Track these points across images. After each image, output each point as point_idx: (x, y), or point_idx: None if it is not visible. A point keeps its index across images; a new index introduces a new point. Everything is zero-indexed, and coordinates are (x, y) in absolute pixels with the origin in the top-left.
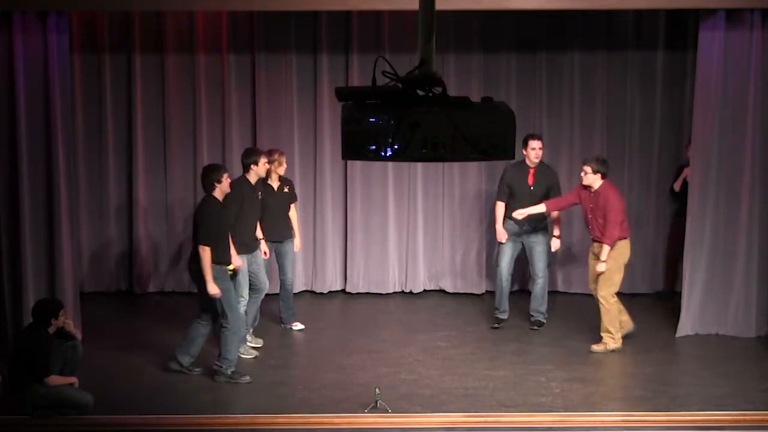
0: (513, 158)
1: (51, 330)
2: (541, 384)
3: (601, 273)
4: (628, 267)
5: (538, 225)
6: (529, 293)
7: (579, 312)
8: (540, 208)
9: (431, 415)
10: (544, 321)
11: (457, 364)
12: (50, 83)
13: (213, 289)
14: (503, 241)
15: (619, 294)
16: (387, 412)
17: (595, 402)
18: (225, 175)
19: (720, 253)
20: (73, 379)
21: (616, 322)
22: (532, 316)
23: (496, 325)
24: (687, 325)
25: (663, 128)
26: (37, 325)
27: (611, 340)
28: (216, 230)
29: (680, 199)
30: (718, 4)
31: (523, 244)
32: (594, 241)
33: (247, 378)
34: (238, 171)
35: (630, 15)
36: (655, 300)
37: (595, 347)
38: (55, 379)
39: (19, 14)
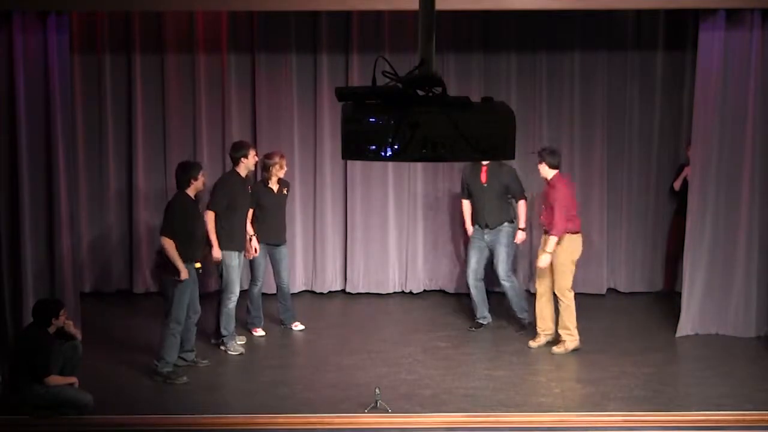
0: (513, 158)
1: (51, 330)
2: (541, 384)
3: (544, 267)
4: (632, 265)
5: (500, 220)
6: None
7: (578, 313)
8: (551, 243)
9: (431, 415)
10: (525, 319)
11: (457, 364)
12: (50, 83)
13: (184, 273)
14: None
15: (617, 292)
16: (387, 412)
17: (595, 402)
18: (201, 173)
19: (720, 253)
20: (73, 380)
21: (574, 319)
22: (516, 316)
23: (473, 329)
24: (687, 325)
25: (663, 128)
26: (37, 324)
27: (569, 338)
28: (183, 225)
29: (680, 199)
30: (718, 4)
31: (489, 249)
32: (545, 233)
33: (185, 378)
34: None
35: (630, 15)
36: (655, 300)
37: (556, 349)
38: (54, 379)
39: (19, 14)
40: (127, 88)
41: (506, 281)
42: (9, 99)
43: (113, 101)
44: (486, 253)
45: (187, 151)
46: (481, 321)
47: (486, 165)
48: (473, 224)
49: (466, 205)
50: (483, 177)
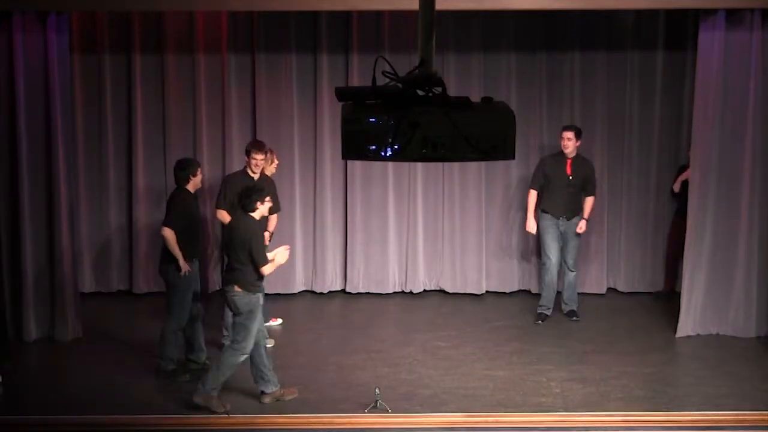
0: (513, 158)
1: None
2: (541, 384)
3: None
4: (632, 265)
5: (576, 211)
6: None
7: (580, 312)
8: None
9: (431, 415)
10: (576, 310)
11: (457, 364)
12: (50, 83)
13: (184, 265)
14: (532, 232)
15: (617, 292)
16: (387, 412)
17: (595, 402)
18: (199, 169)
19: (720, 253)
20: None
21: None
22: (566, 304)
23: (540, 322)
24: (687, 325)
25: (663, 128)
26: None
27: None
28: (186, 221)
29: (681, 200)
30: (718, 4)
31: (561, 235)
32: None
33: (187, 377)
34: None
35: (630, 15)
36: (655, 300)
37: None
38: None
39: (19, 14)
40: (127, 88)
41: (574, 270)
42: (9, 99)
43: (113, 101)
44: (561, 240)
45: (187, 151)
46: (547, 313)
47: (571, 158)
48: (545, 213)
49: (534, 195)
50: (569, 170)
